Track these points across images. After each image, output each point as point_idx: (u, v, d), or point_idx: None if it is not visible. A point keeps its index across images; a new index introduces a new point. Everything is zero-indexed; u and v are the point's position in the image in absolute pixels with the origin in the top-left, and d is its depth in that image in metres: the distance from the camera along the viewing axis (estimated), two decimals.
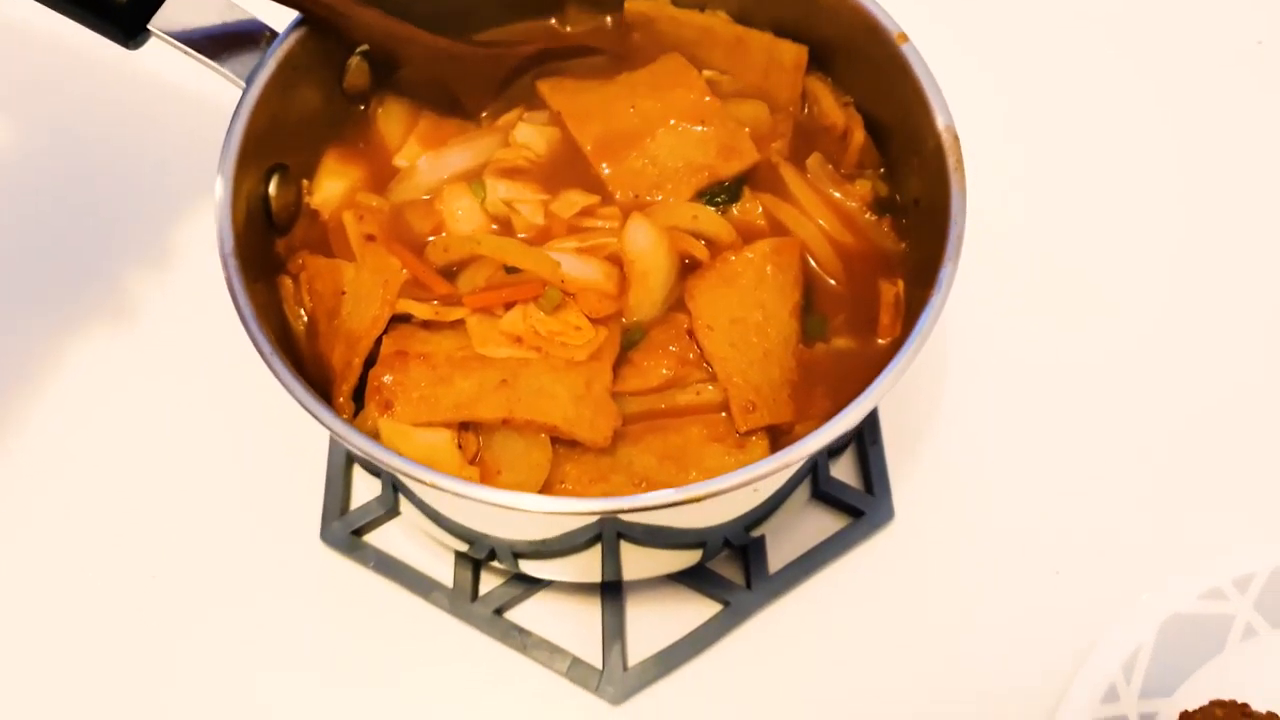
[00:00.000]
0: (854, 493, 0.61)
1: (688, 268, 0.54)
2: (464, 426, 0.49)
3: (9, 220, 0.71)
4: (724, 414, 0.51)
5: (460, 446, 0.49)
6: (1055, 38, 0.79)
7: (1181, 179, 0.73)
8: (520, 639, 0.58)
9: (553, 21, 0.61)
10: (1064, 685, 0.55)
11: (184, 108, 0.70)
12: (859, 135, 0.57)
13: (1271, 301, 0.68)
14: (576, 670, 0.57)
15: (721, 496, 0.45)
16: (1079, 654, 0.55)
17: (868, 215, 0.56)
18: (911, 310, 0.52)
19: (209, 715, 0.57)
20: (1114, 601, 0.57)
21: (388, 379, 0.50)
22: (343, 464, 0.62)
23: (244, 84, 0.52)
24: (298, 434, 0.62)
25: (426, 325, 0.52)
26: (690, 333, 0.52)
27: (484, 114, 0.59)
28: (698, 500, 0.43)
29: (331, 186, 0.57)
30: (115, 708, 0.57)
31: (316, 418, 0.45)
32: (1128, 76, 0.77)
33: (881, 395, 0.46)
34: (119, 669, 0.58)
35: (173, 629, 0.59)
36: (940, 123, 0.51)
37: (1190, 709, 0.53)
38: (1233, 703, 0.52)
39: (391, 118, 0.59)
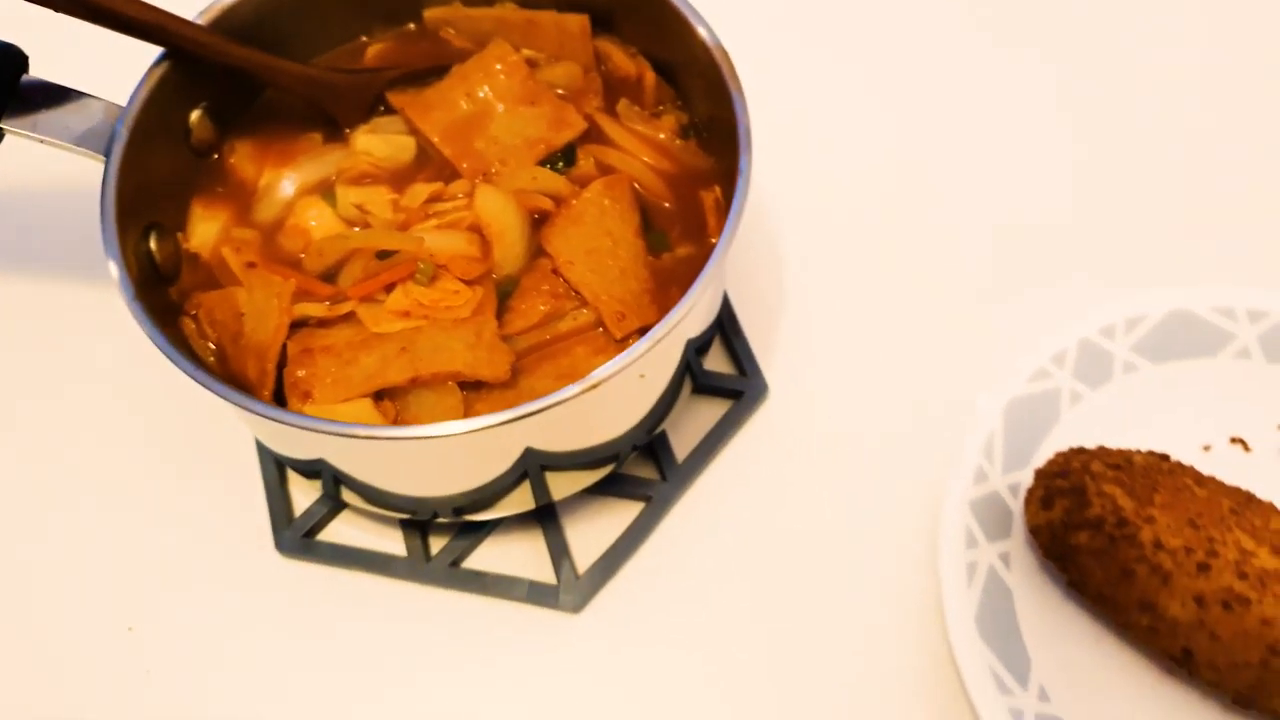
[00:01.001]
0: (729, 378, 0.70)
1: (539, 221, 0.62)
2: (379, 396, 0.56)
3: None
4: (601, 329, 0.59)
5: (382, 415, 0.56)
6: None
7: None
8: (479, 581, 0.64)
9: (363, 39, 0.69)
10: (943, 483, 0.64)
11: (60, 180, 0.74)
12: (650, 77, 0.66)
13: (1043, 133, 0.81)
14: (535, 592, 0.64)
15: (618, 391, 0.53)
16: (949, 456, 0.65)
17: (677, 142, 0.65)
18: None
19: None
20: (964, 405, 0.67)
21: (302, 373, 0.56)
22: (277, 477, 0.67)
23: (104, 157, 0.58)
24: (230, 462, 0.68)
25: (323, 324, 0.58)
26: (556, 271, 0.60)
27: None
28: (596, 386, 0.51)
29: (204, 230, 0.63)
30: None
31: (251, 410, 0.51)
32: None
33: (717, 273, 0.55)
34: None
35: (157, 671, 0.63)
36: (709, 42, 0.60)
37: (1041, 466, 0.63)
38: (1070, 449, 0.63)
39: (243, 158, 0.65)
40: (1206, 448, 0.67)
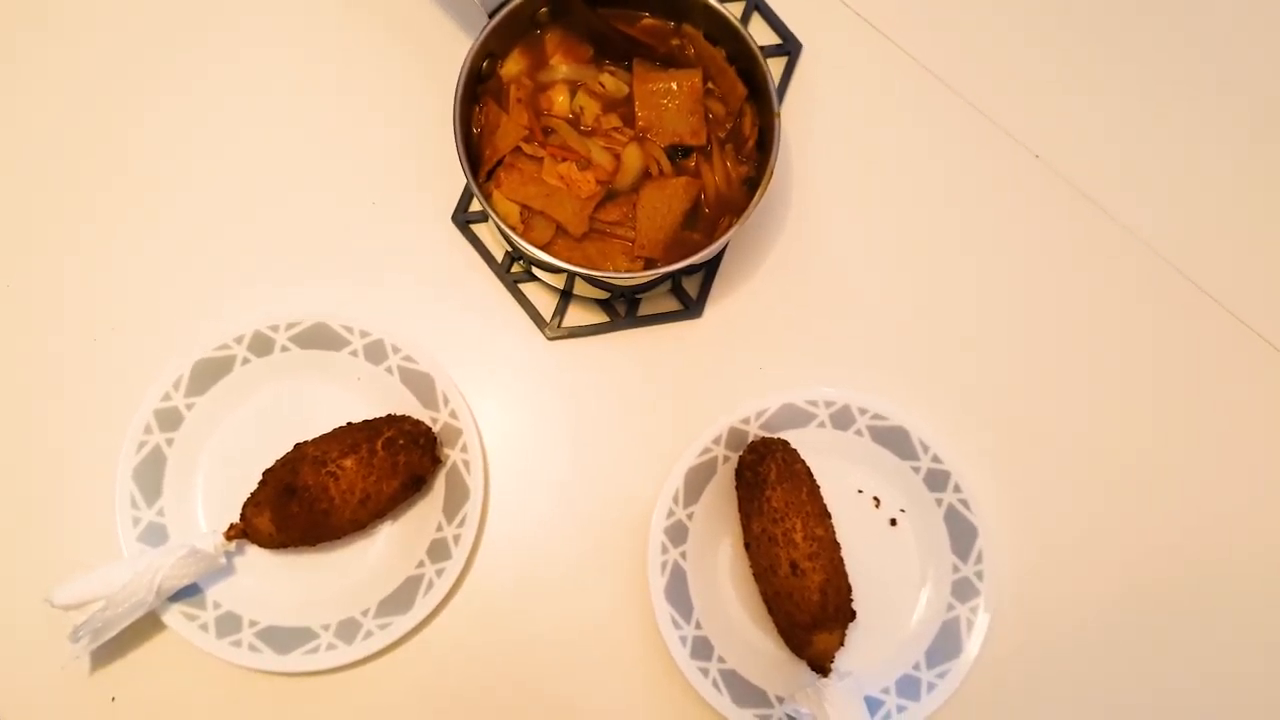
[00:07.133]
0: (689, 297, 1.26)
1: (648, 175, 1.16)
2: (524, 207, 1.14)
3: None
4: (631, 244, 1.15)
5: (520, 215, 1.15)
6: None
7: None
8: (520, 296, 1.26)
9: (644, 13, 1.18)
10: (649, 516, 1.22)
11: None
12: (752, 143, 1.16)
13: None
14: (537, 318, 1.25)
15: (613, 281, 1.11)
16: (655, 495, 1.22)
17: (741, 185, 1.17)
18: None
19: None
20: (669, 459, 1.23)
21: (502, 174, 1.14)
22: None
23: (488, 16, 1.12)
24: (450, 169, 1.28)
25: (527, 156, 1.15)
26: (634, 204, 1.15)
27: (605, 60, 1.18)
28: (596, 278, 1.09)
29: (511, 67, 1.17)
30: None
31: (468, 177, 1.09)
32: None
33: (694, 259, 1.10)
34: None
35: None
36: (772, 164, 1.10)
37: None
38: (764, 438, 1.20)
39: (552, 39, 1.18)
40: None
